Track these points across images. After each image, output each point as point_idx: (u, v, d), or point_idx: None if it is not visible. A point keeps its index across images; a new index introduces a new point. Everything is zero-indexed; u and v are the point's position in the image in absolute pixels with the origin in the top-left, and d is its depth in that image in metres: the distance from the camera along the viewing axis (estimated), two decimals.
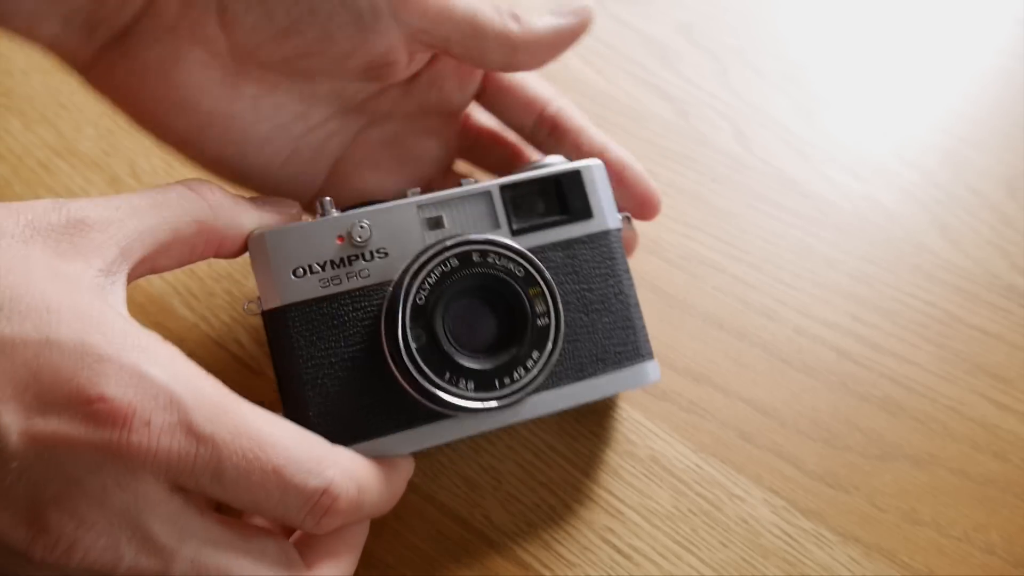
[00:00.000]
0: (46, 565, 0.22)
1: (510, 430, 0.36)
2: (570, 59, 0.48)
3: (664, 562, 0.33)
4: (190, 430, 0.22)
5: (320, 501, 0.25)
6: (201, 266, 0.40)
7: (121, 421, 0.22)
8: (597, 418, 0.36)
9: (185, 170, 0.42)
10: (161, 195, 0.27)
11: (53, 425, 0.21)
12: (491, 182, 0.31)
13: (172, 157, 0.43)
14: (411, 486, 0.34)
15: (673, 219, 0.42)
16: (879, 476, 0.35)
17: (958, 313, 0.40)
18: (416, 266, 0.29)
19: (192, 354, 0.37)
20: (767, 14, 0.51)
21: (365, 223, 0.29)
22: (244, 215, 0.29)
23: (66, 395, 0.21)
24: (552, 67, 0.49)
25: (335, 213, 0.30)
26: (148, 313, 0.38)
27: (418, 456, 0.35)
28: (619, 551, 0.33)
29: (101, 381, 0.22)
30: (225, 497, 0.23)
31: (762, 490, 0.35)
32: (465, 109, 0.36)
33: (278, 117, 0.32)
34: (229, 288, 0.39)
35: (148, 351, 0.23)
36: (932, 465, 0.36)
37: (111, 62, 0.30)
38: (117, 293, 0.25)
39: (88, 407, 0.21)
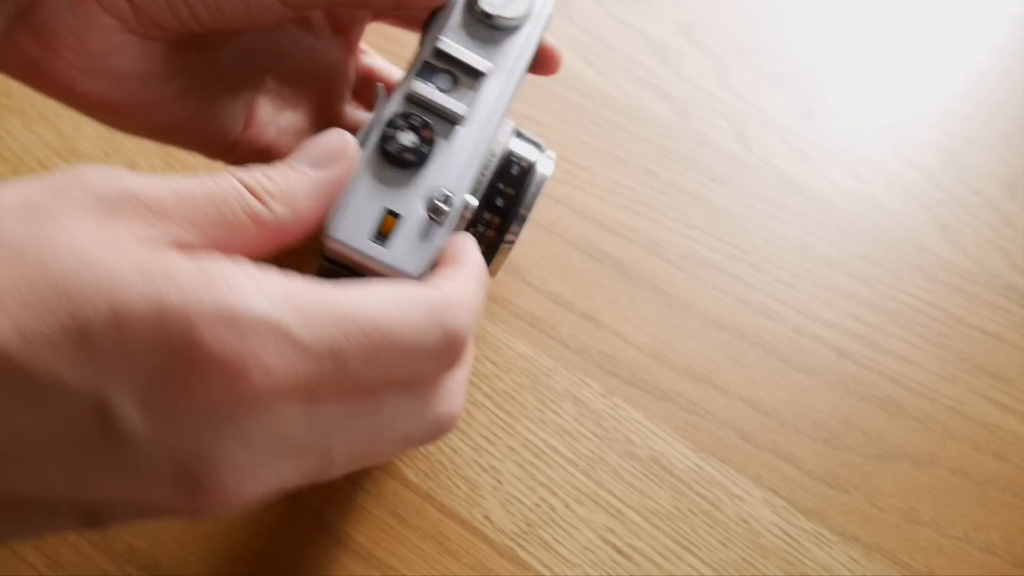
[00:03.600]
0: (210, 512, 0.21)
1: (510, 430, 0.36)
2: (570, 59, 0.48)
3: (664, 562, 0.33)
4: (305, 352, 0.21)
5: (451, 348, 0.24)
6: None
7: (236, 375, 0.20)
8: (597, 418, 0.36)
9: (185, 169, 0.42)
10: (217, 187, 0.24)
11: (170, 397, 0.20)
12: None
13: (172, 158, 0.43)
14: (411, 486, 0.34)
15: (673, 219, 0.42)
16: (879, 476, 0.35)
17: (958, 313, 0.40)
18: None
19: None
20: (767, 14, 0.51)
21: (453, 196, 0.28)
22: (302, 198, 0.26)
23: (168, 365, 0.20)
24: None
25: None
26: None
27: (418, 457, 0.35)
28: (619, 551, 0.33)
29: (197, 337, 0.20)
30: (357, 386, 0.23)
31: (762, 490, 0.35)
32: (358, 41, 0.38)
33: (190, 72, 0.33)
34: None
35: (225, 281, 0.21)
36: (932, 465, 0.36)
37: (21, 40, 0.30)
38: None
39: (197, 370, 0.20)
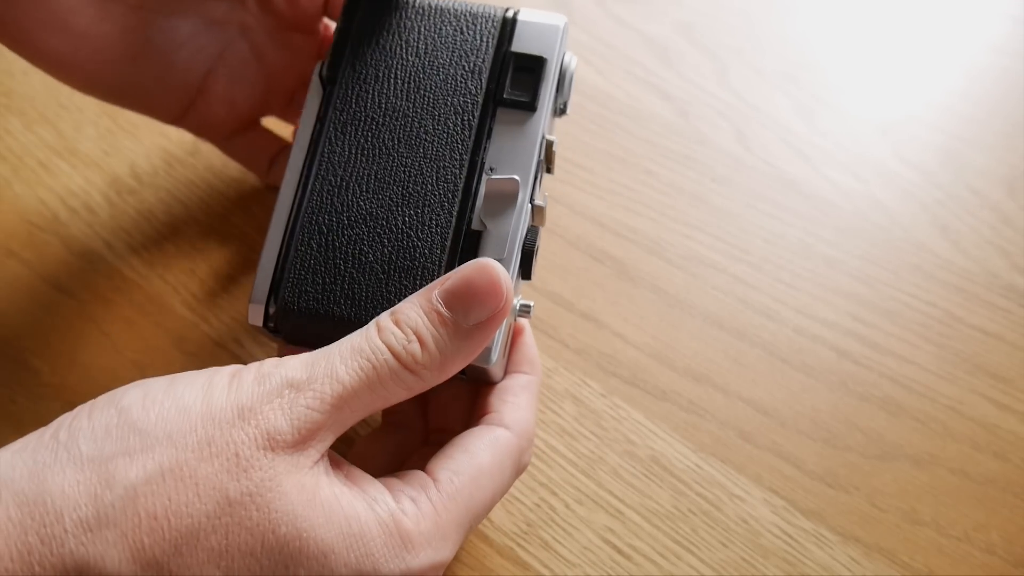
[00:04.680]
0: None
1: None
2: None
3: (664, 562, 0.33)
4: (448, 557, 0.25)
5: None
6: (201, 266, 0.40)
7: None
8: (597, 418, 0.36)
9: (185, 170, 0.43)
10: (375, 373, 0.24)
11: None
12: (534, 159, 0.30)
13: (172, 157, 0.43)
14: None
15: (673, 219, 0.42)
16: (879, 476, 0.35)
17: (958, 313, 0.40)
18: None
19: (192, 354, 0.37)
20: (767, 14, 0.51)
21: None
22: (450, 360, 0.25)
23: None
24: None
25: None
26: (148, 313, 0.38)
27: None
28: (619, 551, 0.33)
29: None
30: None
31: (762, 490, 0.35)
32: (320, 20, 0.37)
33: (147, 35, 0.33)
34: (229, 288, 0.39)
35: (405, 545, 0.23)
36: (932, 465, 0.36)
37: None
38: (328, 462, 0.24)
39: None
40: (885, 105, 0.47)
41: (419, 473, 0.25)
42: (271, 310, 0.28)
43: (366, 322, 0.25)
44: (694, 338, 0.39)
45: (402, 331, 0.24)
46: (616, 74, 0.48)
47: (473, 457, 0.26)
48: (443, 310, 0.24)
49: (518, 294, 0.30)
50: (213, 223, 0.41)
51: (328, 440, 0.24)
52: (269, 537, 0.22)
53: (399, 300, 0.26)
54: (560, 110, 0.32)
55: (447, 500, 0.25)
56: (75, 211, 0.41)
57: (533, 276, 0.30)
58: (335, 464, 0.25)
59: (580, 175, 0.44)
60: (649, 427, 0.36)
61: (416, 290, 0.27)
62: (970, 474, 0.35)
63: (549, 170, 0.31)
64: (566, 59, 0.31)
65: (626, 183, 0.44)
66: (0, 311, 0.38)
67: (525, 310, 0.29)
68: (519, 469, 0.28)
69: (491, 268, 0.24)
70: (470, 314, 0.24)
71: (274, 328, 0.29)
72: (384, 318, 0.25)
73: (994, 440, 0.36)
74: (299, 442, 0.23)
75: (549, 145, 0.30)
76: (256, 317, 0.28)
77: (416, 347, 0.24)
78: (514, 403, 0.29)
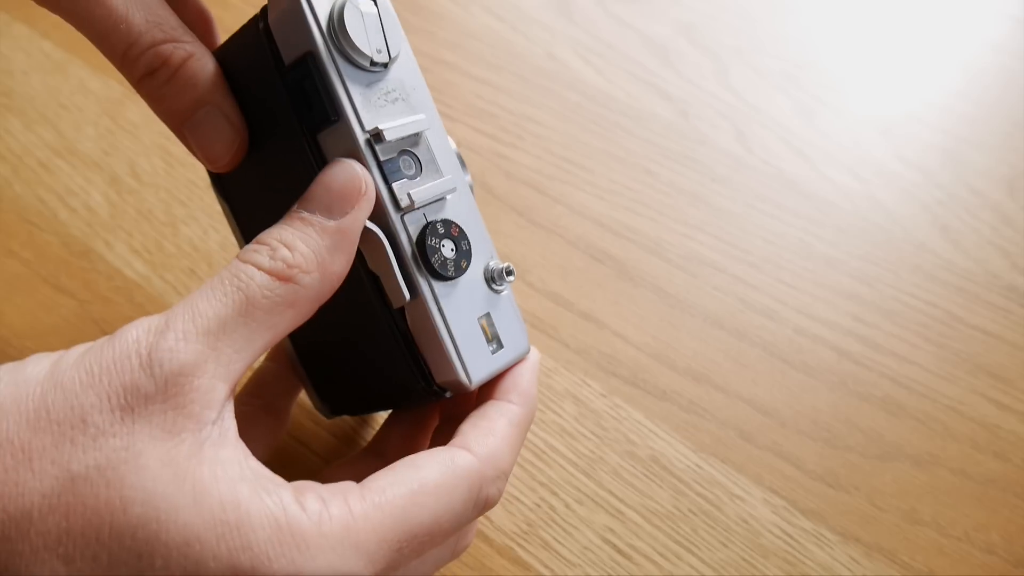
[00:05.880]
0: None
1: None
2: (570, 59, 0.48)
3: (664, 562, 0.33)
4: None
5: (483, 512, 0.25)
6: (202, 265, 0.40)
7: None
8: (597, 418, 0.36)
9: (185, 170, 0.43)
10: (243, 296, 0.21)
11: None
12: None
13: (171, 156, 0.43)
14: None
15: (673, 219, 0.42)
16: (879, 476, 0.35)
17: (958, 313, 0.40)
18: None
19: None
20: (767, 14, 0.51)
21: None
22: (328, 257, 0.23)
23: None
24: (552, 67, 0.49)
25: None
26: (148, 313, 0.38)
27: None
28: (619, 551, 0.33)
29: None
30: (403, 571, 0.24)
31: (762, 490, 0.35)
32: None
33: None
34: None
35: (295, 543, 0.20)
36: (932, 465, 0.36)
37: None
38: (229, 431, 0.21)
39: None
40: (885, 105, 0.47)
41: (347, 481, 0.22)
42: (328, 407, 0.31)
43: (381, 372, 0.26)
44: (694, 338, 0.39)
45: (266, 244, 0.22)
46: (616, 74, 0.48)
47: (418, 471, 0.23)
48: (304, 214, 0.23)
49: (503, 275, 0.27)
50: (213, 223, 0.41)
51: (216, 391, 0.20)
52: (119, 518, 0.19)
53: (380, 346, 0.26)
54: (379, 65, 0.25)
55: (371, 508, 0.21)
56: (75, 211, 0.41)
57: (474, 270, 0.26)
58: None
59: (580, 175, 0.44)
60: (649, 427, 0.36)
61: (375, 344, 0.26)
62: (970, 474, 0.35)
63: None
64: (335, 12, 0.24)
65: (626, 183, 0.44)
66: (0, 311, 0.38)
67: (499, 276, 0.26)
68: (480, 502, 0.24)
69: (342, 161, 0.23)
70: (333, 209, 0.23)
71: (343, 412, 0.31)
72: (247, 245, 0.23)
73: (994, 440, 0.36)
74: (166, 393, 0.20)
75: (376, 136, 0.24)
76: (327, 415, 0.31)
77: (284, 251, 0.22)
78: (487, 428, 0.25)
